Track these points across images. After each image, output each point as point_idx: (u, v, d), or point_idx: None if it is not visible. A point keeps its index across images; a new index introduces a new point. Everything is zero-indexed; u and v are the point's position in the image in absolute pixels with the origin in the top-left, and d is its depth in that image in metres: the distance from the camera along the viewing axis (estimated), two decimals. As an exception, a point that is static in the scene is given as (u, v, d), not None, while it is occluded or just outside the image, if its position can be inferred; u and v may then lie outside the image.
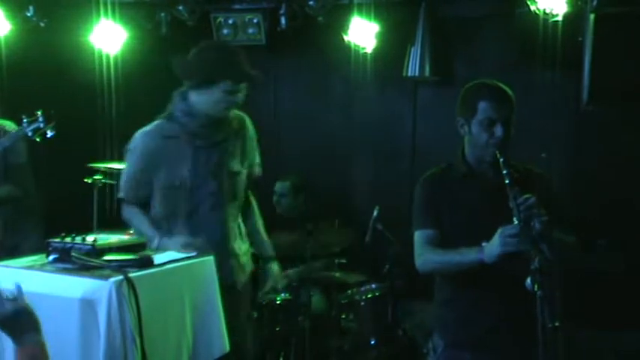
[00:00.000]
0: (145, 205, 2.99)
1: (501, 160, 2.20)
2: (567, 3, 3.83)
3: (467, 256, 2.22)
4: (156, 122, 2.98)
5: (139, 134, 2.98)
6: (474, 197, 2.32)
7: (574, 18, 3.91)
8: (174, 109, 2.95)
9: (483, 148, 2.31)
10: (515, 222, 2.09)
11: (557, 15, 3.85)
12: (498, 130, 2.26)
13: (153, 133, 2.96)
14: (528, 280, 2.05)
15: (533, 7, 3.88)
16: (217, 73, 2.84)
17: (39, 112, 3.11)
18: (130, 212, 3.01)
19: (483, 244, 2.16)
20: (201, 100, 2.90)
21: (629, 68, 3.83)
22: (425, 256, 2.36)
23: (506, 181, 2.15)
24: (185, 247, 2.71)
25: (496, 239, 2.11)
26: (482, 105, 2.30)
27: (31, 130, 3.16)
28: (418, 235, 2.41)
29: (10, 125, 3.56)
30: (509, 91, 2.36)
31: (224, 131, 2.97)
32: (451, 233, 2.33)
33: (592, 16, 3.84)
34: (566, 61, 3.92)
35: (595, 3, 3.80)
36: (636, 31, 3.87)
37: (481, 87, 2.39)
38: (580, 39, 3.93)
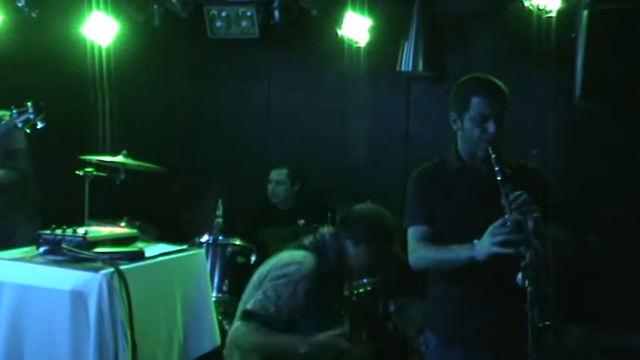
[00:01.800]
0: None
1: (493, 156, 2.19)
2: (561, -1, 3.84)
3: (459, 253, 2.21)
4: None
5: None
6: (467, 192, 2.31)
7: (567, 14, 3.91)
8: None
9: (476, 144, 2.29)
10: (507, 216, 2.08)
11: (550, 11, 3.85)
12: (491, 126, 2.24)
13: None
14: (519, 276, 2.05)
15: (526, 3, 3.88)
16: None
17: (29, 104, 3.08)
18: None
19: (475, 241, 2.15)
20: None
21: (622, 64, 3.84)
22: (418, 252, 2.35)
23: (498, 178, 2.14)
24: None
25: (486, 239, 2.11)
26: (475, 100, 2.28)
27: (21, 122, 3.13)
28: (411, 231, 2.40)
29: (5, 114, 3.54)
30: (503, 86, 2.34)
31: None
32: (444, 228, 2.32)
33: (585, 13, 3.84)
34: (560, 57, 3.92)
35: (588, -1, 3.81)
36: (629, 27, 3.87)
37: (474, 82, 2.36)
38: (573, 35, 3.94)
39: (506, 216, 2.08)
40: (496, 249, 2.07)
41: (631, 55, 3.84)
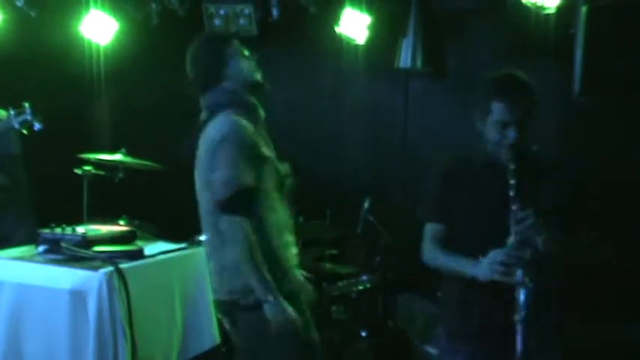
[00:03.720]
0: None
1: (512, 167, 2.13)
2: (559, -5, 3.83)
3: (464, 267, 2.20)
4: None
5: None
6: (490, 192, 2.23)
7: (566, 10, 3.90)
8: None
9: (497, 147, 2.23)
10: (512, 239, 2.06)
11: (549, 7, 3.85)
12: (511, 133, 2.17)
13: None
14: (519, 273, 2.05)
15: (525, 0, 3.87)
16: None
17: (26, 104, 3.07)
18: None
19: (480, 258, 2.14)
20: None
21: (621, 60, 3.84)
22: (431, 253, 2.37)
23: (510, 193, 2.09)
24: None
25: (485, 265, 2.10)
26: (495, 106, 2.20)
27: (18, 123, 3.12)
28: (426, 227, 2.41)
29: (2, 114, 3.54)
30: (526, 85, 2.24)
31: None
32: (463, 226, 2.28)
33: (584, 9, 3.84)
34: (559, 54, 3.92)
35: (587, -6, 3.81)
36: (628, 24, 3.87)
37: (496, 84, 2.25)
38: (572, 31, 3.93)
39: (510, 240, 2.06)
40: (496, 277, 2.08)
41: (629, 51, 3.84)
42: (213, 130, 2.60)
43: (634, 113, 4.03)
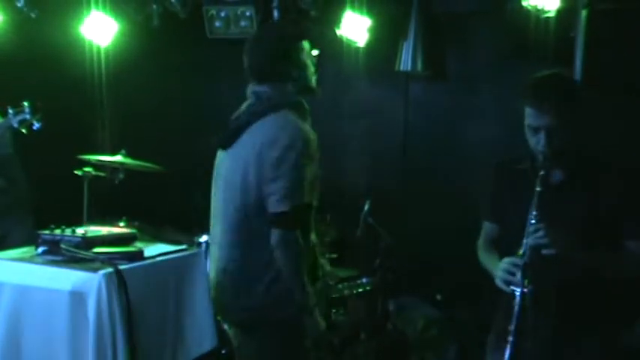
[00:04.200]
0: None
1: (541, 173, 2.11)
2: (560, -2, 3.84)
3: (492, 269, 2.22)
4: None
5: None
6: (531, 194, 2.16)
7: (566, 14, 3.91)
8: None
9: (534, 150, 2.19)
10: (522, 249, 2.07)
11: (549, 10, 3.85)
12: (540, 139, 2.12)
13: None
14: (518, 276, 2.06)
15: (525, 3, 3.88)
16: None
17: (25, 103, 3.07)
18: None
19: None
20: None
21: (620, 64, 3.85)
22: (479, 251, 2.43)
23: (536, 202, 2.07)
24: None
25: (498, 270, 2.13)
26: (526, 110, 2.16)
27: (17, 122, 3.12)
28: (484, 226, 2.46)
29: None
30: (558, 89, 2.15)
31: None
32: (509, 227, 2.28)
33: (584, 12, 3.85)
34: (558, 57, 3.92)
35: (587, -1, 3.82)
36: (628, 27, 3.88)
37: (529, 89, 2.18)
38: (572, 35, 3.94)
39: (521, 251, 2.07)
40: (500, 284, 2.11)
41: (629, 54, 3.85)
42: (278, 130, 2.45)
43: (634, 116, 4.03)
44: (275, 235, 2.42)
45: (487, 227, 2.45)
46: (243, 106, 2.66)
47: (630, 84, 3.78)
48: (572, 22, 3.93)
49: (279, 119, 2.50)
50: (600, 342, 2.20)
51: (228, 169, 2.59)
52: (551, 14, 3.86)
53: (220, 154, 2.69)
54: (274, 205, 2.41)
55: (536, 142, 2.13)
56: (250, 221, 2.49)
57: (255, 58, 2.62)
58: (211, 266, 2.71)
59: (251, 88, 2.63)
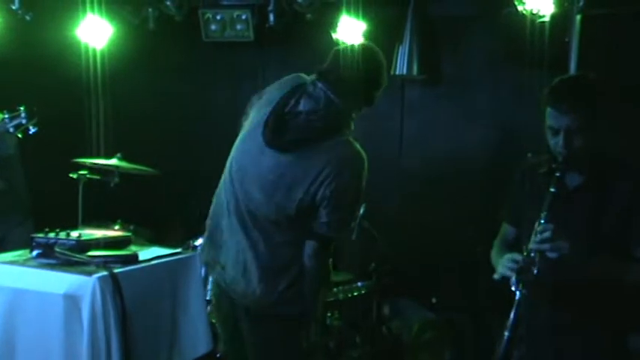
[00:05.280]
0: None
1: (557, 174, 2.10)
2: (554, 4, 3.85)
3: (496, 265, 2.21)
4: None
5: None
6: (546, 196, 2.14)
7: (561, 19, 3.93)
8: None
9: (554, 152, 2.17)
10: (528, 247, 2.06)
11: (544, 15, 3.87)
12: (560, 140, 2.10)
13: None
14: (513, 279, 2.06)
15: (520, 8, 3.89)
16: None
17: (21, 108, 3.06)
18: None
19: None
20: None
21: (614, 69, 3.87)
22: (493, 250, 2.41)
23: (547, 203, 2.06)
24: None
25: (500, 263, 2.11)
26: (548, 111, 2.15)
27: (13, 126, 3.11)
28: (502, 226, 2.45)
29: None
30: (579, 92, 2.15)
31: None
32: (525, 230, 2.25)
33: (578, 17, 3.87)
34: (553, 61, 3.93)
35: (581, 4, 3.83)
36: (622, 32, 3.90)
37: (551, 91, 2.17)
38: (567, 39, 3.96)
39: (529, 245, 2.05)
40: (496, 276, 2.10)
41: (623, 59, 3.87)
42: (350, 159, 2.51)
43: (628, 120, 4.04)
44: (311, 246, 2.48)
45: (505, 229, 2.44)
46: (303, 104, 2.50)
47: (624, 88, 3.80)
48: (567, 26, 3.94)
49: (351, 147, 2.53)
50: (599, 349, 2.20)
51: (283, 171, 2.48)
52: (546, 19, 3.87)
53: (265, 150, 2.50)
54: (324, 229, 2.47)
55: (556, 144, 2.13)
56: (285, 224, 2.50)
57: (345, 74, 2.54)
58: (222, 253, 2.61)
59: (320, 88, 2.51)
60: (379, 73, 2.62)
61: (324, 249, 2.51)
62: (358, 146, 2.55)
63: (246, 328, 2.58)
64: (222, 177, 2.69)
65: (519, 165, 2.41)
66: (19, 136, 3.09)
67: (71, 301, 2.24)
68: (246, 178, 2.54)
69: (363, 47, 2.61)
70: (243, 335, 2.60)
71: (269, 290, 2.50)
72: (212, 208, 2.69)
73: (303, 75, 2.61)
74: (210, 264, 2.61)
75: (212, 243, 2.60)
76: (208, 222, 2.69)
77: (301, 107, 2.47)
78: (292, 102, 2.48)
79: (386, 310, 4.18)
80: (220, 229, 2.59)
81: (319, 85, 2.50)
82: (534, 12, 3.86)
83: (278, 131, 2.46)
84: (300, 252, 2.50)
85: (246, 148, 2.58)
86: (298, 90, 2.51)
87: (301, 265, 2.50)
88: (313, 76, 2.55)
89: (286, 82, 2.60)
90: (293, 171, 2.45)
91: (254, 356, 2.59)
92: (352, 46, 2.63)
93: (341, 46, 2.61)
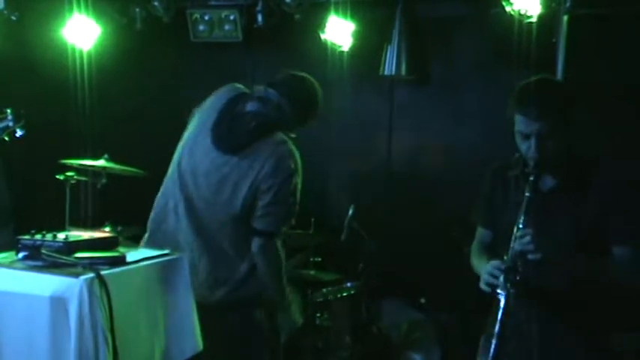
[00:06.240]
0: None
1: (531, 179, 2.10)
2: (541, 4, 3.87)
3: (479, 270, 2.22)
4: None
5: None
6: (520, 200, 2.15)
7: (548, 19, 3.95)
8: None
9: (525, 157, 2.16)
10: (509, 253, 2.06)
11: (531, 16, 3.89)
12: (531, 145, 2.09)
13: None
14: (501, 278, 2.07)
15: (508, 8, 3.91)
16: None
17: (8, 111, 3.04)
18: None
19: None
20: None
21: (601, 69, 3.90)
22: (472, 256, 2.41)
23: (524, 208, 2.07)
24: None
25: (483, 273, 2.12)
26: (516, 117, 2.13)
27: (0, 129, 3.09)
28: (478, 230, 2.46)
29: None
30: (548, 95, 2.13)
31: None
32: (500, 233, 2.27)
33: (565, 18, 3.89)
34: (541, 62, 3.95)
35: (568, 5, 3.86)
36: (609, 33, 3.93)
37: (517, 96, 2.16)
38: (554, 40, 3.98)
39: (510, 251, 2.06)
40: (483, 287, 2.11)
41: (610, 59, 3.90)
42: (285, 156, 2.68)
43: (615, 119, 4.08)
44: (256, 242, 2.63)
45: (481, 232, 2.44)
46: (250, 106, 2.72)
47: (611, 88, 3.83)
48: (554, 27, 3.97)
49: (287, 145, 2.72)
50: (584, 346, 2.21)
51: (229, 171, 2.66)
52: (534, 19, 3.89)
53: (211, 153, 2.70)
54: (264, 225, 2.63)
55: (527, 148, 2.11)
56: (234, 224, 2.66)
57: (288, 93, 2.77)
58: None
59: (271, 93, 2.74)
60: (316, 102, 2.87)
61: (269, 245, 2.65)
62: (292, 145, 2.75)
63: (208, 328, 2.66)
64: (166, 181, 2.87)
65: (492, 169, 2.40)
66: (6, 138, 3.06)
67: (58, 303, 2.21)
68: (196, 179, 2.71)
69: (308, 79, 2.87)
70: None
71: (221, 288, 2.67)
72: (154, 212, 2.85)
73: (238, 85, 2.86)
74: None
75: (154, 246, 2.70)
76: (150, 225, 2.84)
77: (248, 108, 2.68)
78: (239, 105, 2.70)
79: (375, 310, 4.18)
80: (163, 232, 2.76)
81: (270, 90, 2.74)
82: (522, 12, 3.88)
83: (226, 132, 2.66)
84: (248, 251, 2.66)
85: (194, 151, 2.77)
86: (243, 96, 2.76)
87: (251, 262, 2.66)
88: (260, 87, 2.79)
89: (224, 91, 2.85)
90: (237, 170, 2.64)
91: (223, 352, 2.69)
92: (300, 74, 2.91)
93: (291, 72, 2.88)
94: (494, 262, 2.11)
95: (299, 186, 2.72)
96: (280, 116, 2.71)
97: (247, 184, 2.62)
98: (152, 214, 2.84)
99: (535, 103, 2.08)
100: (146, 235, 2.84)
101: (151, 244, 2.73)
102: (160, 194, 2.86)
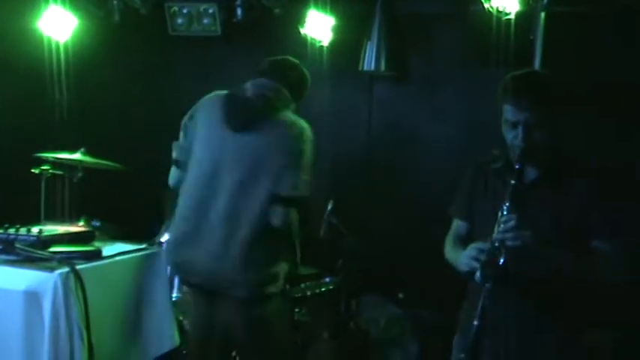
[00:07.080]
0: None
1: (517, 167, 2.12)
2: (519, 1, 3.89)
3: (456, 260, 2.22)
4: None
5: None
6: (504, 192, 2.16)
7: (526, 16, 3.98)
8: None
9: (510, 148, 2.20)
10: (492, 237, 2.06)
11: (509, 13, 3.92)
12: (518, 134, 2.12)
13: None
14: (478, 274, 2.07)
15: (486, 5, 3.93)
16: None
17: None
18: None
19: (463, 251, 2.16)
20: None
21: (578, 66, 3.93)
22: (446, 247, 2.41)
23: (509, 195, 2.08)
24: None
25: (463, 256, 2.12)
26: (505, 106, 2.16)
27: None
28: (453, 223, 2.46)
29: None
30: (535, 85, 2.18)
31: None
32: (480, 224, 2.29)
33: (543, 15, 3.93)
34: (519, 58, 3.97)
35: (546, 2, 3.89)
36: (586, 30, 3.97)
37: (506, 86, 2.19)
38: (532, 37, 4.01)
39: (493, 236, 2.06)
40: (463, 268, 2.13)
41: (587, 56, 3.94)
42: (296, 128, 2.85)
43: (591, 119, 4.12)
44: (277, 210, 2.73)
45: (457, 224, 2.44)
46: (251, 92, 2.85)
47: (588, 85, 3.86)
48: (532, 24, 4.00)
49: (298, 120, 2.90)
50: (560, 342, 2.23)
51: (251, 150, 2.77)
52: (512, 17, 3.92)
53: (229, 138, 2.78)
54: (288, 190, 2.76)
55: (514, 137, 2.15)
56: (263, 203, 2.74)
57: (283, 76, 2.98)
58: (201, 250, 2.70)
59: (264, 80, 2.91)
60: (307, 78, 3.15)
61: (289, 211, 2.78)
62: (304, 122, 2.93)
63: (236, 318, 2.70)
64: (192, 178, 2.83)
65: (472, 162, 2.42)
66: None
67: (32, 297, 2.19)
68: (223, 168, 2.75)
69: (289, 59, 3.09)
70: (229, 329, 2.73)
71: (254, 272, 2.71)
72: (186, 209, 2.78)
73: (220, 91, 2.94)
74: (185, 264, 2.69)
75: (188, 243, 2.67)
76: (181, 223, 2.76)
77: (250, 94, 2.82)
78: (239, 96, 2.83)
79: (353, 305, 4.19)
80: (198, 227, 2.71)
81: (262, 79, 2.91)
82: (500, 10, 3.90)
83: (239, 115, 2.79)
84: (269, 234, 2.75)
85: (211, 144, 2.81)
86: (236, 90, 2.88)
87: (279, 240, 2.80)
88: (247, 82, 2.91)
89: (213, 95, 2.93)
90: (258, 147, 2.76)
91: (250, 338, 2.75)
92: (281, 59, 3.10)
93: (272, 58, 3.07)
94: (476, 244, 2.12)
95: (313, 152, 2.91)
96: (281, 96, 2.87)
97: (272, 156, 2.75)
98: (183, 212, 2.80)
99: (526, 93, 2.13)
100: (178, 233, 2.78)
101: (183, 242, 2.70)
102: (187, 191, 2.84)
